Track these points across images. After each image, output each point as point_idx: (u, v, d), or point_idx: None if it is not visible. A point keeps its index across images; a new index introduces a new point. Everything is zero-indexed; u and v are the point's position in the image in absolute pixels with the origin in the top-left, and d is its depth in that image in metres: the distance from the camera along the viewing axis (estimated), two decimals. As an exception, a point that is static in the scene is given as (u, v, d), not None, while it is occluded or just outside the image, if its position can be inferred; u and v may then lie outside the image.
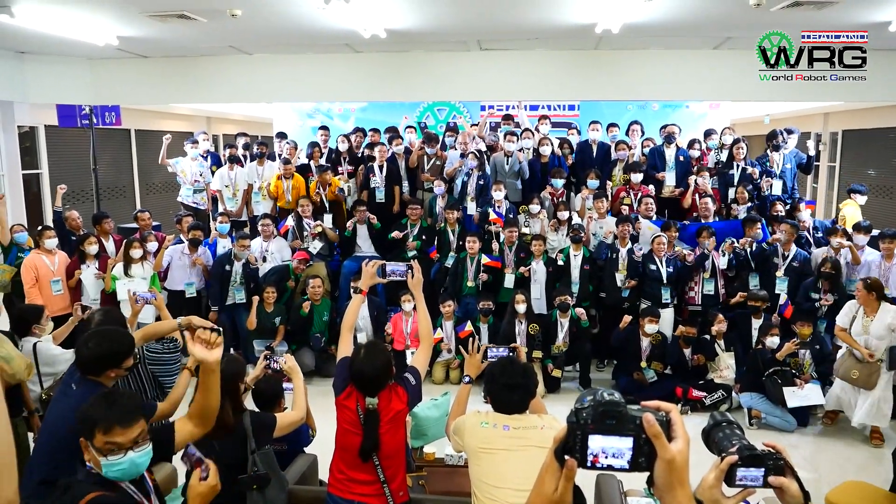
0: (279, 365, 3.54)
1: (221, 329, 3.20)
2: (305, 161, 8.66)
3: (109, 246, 7.16)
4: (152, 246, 7.03)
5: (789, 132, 7.94)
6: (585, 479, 3.80)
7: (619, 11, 5.58)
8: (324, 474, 3.60)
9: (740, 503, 1.36)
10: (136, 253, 6.61)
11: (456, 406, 3.08)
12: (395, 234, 7.59)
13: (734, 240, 6.90)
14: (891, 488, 3.97)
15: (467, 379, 3.17)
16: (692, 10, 5.67)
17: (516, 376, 2.79)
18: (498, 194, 7.47)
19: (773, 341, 5.95)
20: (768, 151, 7.87)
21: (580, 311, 6.63)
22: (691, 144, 8.27)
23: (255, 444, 2.92)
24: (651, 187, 7.86)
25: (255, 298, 6.91)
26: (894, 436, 5.66)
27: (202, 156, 8.88)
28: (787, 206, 7.59)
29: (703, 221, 7.42)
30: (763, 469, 1.36)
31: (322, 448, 3.71)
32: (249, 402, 3.49)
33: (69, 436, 2.73)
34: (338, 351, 3.11)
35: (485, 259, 7.09)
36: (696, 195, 7.77)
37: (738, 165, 7.85)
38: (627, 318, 6.51)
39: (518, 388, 2.78)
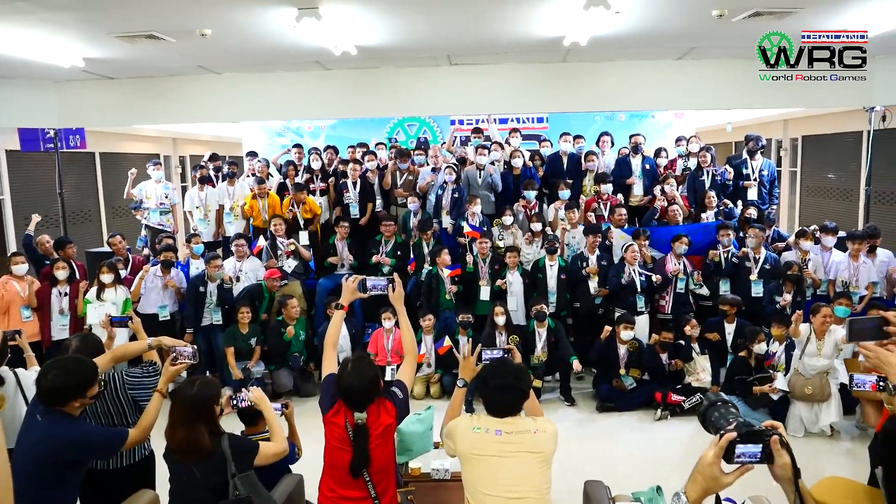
0: (246, 402, 3.43)
1: (196, 348, 3.31)
2: (280, 179, 8.67)
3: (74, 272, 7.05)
4: (121, 272, 6.96)
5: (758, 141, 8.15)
6: (572, 485, 3.83)
7: (587, 24, 5.67)
8: (310, 494, 3.58)
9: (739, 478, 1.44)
10: (107, 278, 6.54)
11: (450, 410, 3.03)
12: (376, 258, 7.60)
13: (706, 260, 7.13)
14: (868, 482, 4.06)
15: (462, 382, 3.12)
16: (657, 21, 5.79)
17: (508, 377, 2.73)
18: (475, 208, 7.55)
19: (759, 347, 6.10)
20: (744, 154, 8.06)
21: (577, 365, 6.60)
22: (658, 153, 8.45)
23: (236, 468, 2.84)
24: (620, 197, 8.01)
25: (230, 350, 6.80)
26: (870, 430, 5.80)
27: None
28: (765, 211, 7.84)
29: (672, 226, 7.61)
30: (761, 445, 1.41)
31: (307, 468, 3.66)
32: (233, 425, 3.43)
33: (37, 467, 2.73)
34: (322, 368, 3.08)
35: (445, 272, 7.13)
36: (665, 202, 7.94)
37: (708, 172, 8.02)
38: (608, 329, 6.57)
39: (510, 390, 2.72)
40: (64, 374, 2.78)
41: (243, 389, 3.53)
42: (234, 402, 3.41)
